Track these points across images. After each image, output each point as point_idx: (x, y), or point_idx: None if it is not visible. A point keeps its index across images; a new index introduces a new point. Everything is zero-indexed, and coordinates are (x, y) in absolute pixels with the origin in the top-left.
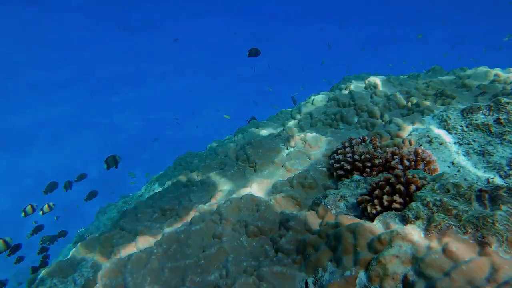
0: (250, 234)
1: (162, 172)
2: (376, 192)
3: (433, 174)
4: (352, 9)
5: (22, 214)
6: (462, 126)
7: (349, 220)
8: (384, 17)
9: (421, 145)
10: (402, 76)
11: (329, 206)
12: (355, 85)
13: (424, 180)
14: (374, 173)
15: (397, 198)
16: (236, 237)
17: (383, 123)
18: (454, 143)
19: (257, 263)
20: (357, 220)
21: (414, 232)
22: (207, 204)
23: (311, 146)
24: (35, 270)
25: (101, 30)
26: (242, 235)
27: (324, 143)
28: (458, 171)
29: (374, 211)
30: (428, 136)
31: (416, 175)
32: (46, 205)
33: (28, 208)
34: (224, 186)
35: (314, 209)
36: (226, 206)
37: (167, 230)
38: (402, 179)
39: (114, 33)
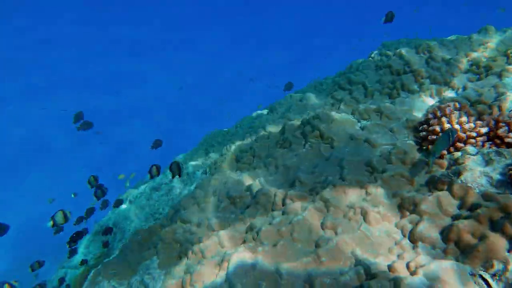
0: (372, 222)
1: (183, 155)
2: None
3: None
4: None
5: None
6: None
7: None
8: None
9: (511, 110)
10: (451, 38)
11: (469, 184)
12: (406, 50)
13: None
14: (479, 143)
15: None
16: (355, 226)
17: (451, 89)
18: None
19: None
20: None
21: None
22: (295, 190)
23: (389, 118)
24: (35, 268)
25: None
26: (362, 223)
27: (400, 113)
28: None
29: None
30: None
31: None
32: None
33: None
34: (301, 166)
35: (439, 188)
36: (330, 190)
37: (256, 222)
38: None
39: None
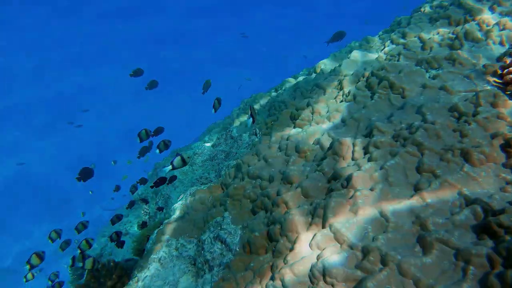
0: (475, 163)
1: (221, 122)
2: None
3: None
4: None
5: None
6: None
7: None
8: None
9: None
10: None
11: None
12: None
13: None
14: None
15: None
16: (456, 168)
17: None
18: None
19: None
20: None
21: None
22: (377, 138)
23: (464, 65)
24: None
25: None
26: (464, 164)
27: (474, 59)
28: None
29: None
30: None
31: None
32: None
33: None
34: (371, 117)
35: None
36: (421, 134)
37: (341, 172)
38: None
39: None
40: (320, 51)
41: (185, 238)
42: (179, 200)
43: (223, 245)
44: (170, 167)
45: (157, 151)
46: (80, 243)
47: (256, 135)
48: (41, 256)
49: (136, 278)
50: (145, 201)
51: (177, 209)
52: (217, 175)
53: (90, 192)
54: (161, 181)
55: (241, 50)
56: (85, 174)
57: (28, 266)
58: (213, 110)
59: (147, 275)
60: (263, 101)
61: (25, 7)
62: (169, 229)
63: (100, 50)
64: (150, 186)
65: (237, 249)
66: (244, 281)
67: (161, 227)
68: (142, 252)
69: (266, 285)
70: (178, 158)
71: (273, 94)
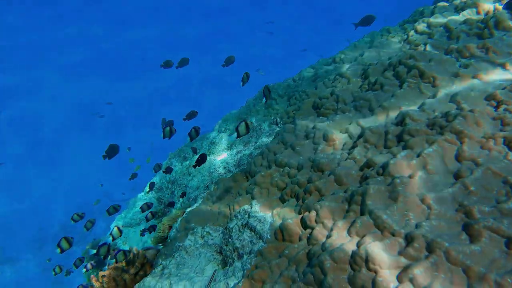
0: None
1: (237, 111)
2: None
3: None
4: None
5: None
6: None
7: None
8: None
9: None
10: None
11: None
12: None
13: None
14: None
15: None
16: (499, 157)
17: None
18: None
19: None
20: None
21: None
22: (410, 126)
23: (498, 53)
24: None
25: None
26: (508, 152)
27: (509, 48)
28: None
29: None
30: None
31: None
32: None
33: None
34: (402, 107)
35: None
36: (459, 122)
37: (375, 159)
38: None
39: None
40: (326, 50)
41: (210, 226)
42: (199, 189)
43: (253, 233)
44: (235, 134)
45: (188, 139)
46: (111, 231)
47: (277, 124)
48: (70, 241)
49: (161, 266)
50: (171, 204)
51: (200, 197)
52: (235, 164)
53: (100, 185)
54: (202, 158)
55: (240, 51)
56: (111, 151)
57: (58, 250)
58: (241, 83)
59: (172, 263)
60: (280, 91)
61: (24, 7)
62: (193, 217)
63: (101, 54)
64: (193, 166)
65: (269, 237)
66: (279, 268)
67: (185, 215)
68: (163, 241)
69: (303, 272)
70: (243, 123)
71: (291, 84)
